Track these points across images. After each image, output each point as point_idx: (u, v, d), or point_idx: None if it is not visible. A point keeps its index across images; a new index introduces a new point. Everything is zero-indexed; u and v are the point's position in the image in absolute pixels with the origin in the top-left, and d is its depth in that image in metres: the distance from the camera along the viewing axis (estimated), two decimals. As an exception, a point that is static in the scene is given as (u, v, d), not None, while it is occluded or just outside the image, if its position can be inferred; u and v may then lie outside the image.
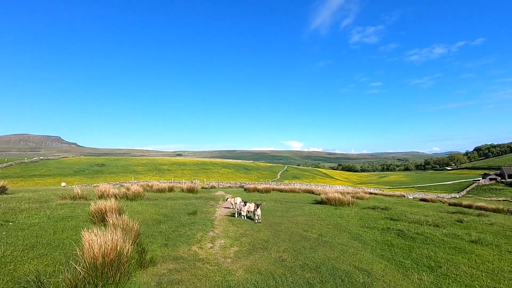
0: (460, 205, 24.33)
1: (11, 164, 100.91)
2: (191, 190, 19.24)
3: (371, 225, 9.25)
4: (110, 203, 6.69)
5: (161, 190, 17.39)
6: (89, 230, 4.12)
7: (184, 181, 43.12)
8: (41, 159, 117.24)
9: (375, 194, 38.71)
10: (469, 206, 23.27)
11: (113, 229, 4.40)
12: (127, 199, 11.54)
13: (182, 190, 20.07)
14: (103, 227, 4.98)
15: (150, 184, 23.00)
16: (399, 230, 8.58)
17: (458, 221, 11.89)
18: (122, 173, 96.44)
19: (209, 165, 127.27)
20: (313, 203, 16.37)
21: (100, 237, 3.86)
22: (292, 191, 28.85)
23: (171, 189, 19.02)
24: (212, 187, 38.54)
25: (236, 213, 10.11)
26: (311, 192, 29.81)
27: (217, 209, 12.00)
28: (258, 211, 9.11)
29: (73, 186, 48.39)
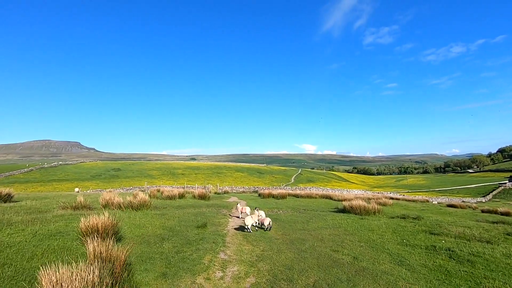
0: (496, 212, 22.03)
1: (32, 169, 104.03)
2: (202, 197, 18.19)
3: (411, 242, 7.79)
4: (104, 219, 5.63)
5: (171, 197, 16.42)
6: (53, 267, 3.01)
7: (197, 185, 42.35)
8: (60, 164, 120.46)
9: (396, 199, 36.50)
10: (507, 214, 20.98)
11: (92, 260, 3.28)
12: (132, 208, 10.56)
13: (194, 197, 19.09)
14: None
15: (161, 189, 22.17)
16: (448, 249, 7.09)
17: (507, 234, 10.19)
18: (137, 178, 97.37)
19: (223, 169, 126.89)
20: (334, 212, 14.91)
21: (66, 278, 2.74)
22: (309, 196, 27.36)
23: (181, 196, 18.03)
24: (225, 192, 37.50)
25: (246, 227, 8.50)
26: (329, 197, 28.21)
27: (229, 219, 10.81)
28: (266, 221, 8.80)
29: (88, 191, 48.65)
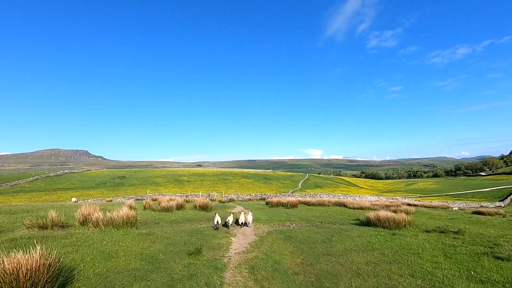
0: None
1: (37, 178, 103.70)
2: (204, 207, 16.14)
3: (484, 275, 5.58)
4: (32, 259, 3.63)
5: (167, 209, 14.39)
6: None
7: (200, 193, 40.35)
8: (66, 173, 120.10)
9: (415, 205, 33.88)
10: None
11: None
12: (112, 226, 8.58)
13: (195, 207, 17.03)
14: None
15: (159, 199, 20.21)
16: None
17: None
18: (142, 185, 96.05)
19: (229, 175, 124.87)
20: (356, 224, 12.69)
21: None
22: (321, 204, 25.09)
23: (180, 207, 16.01)
24: (231, 200, 35.40)
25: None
26: (343, 205, 25.90)
27: (233, 238, 8.74)
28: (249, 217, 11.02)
29: (89, 200, 47.10)
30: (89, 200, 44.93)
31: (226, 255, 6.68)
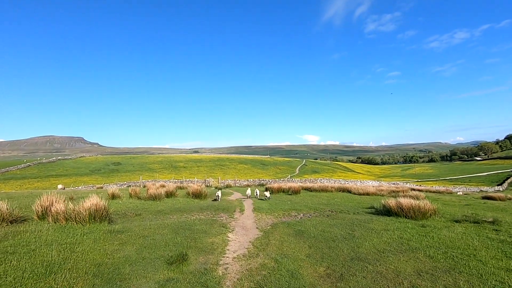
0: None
1: (29, 165, 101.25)
2: (197, 195, 14.33)
3: None
4: None
5: (154, 197, 12.52)
6: None
7: (196, 179, 38.60)
8: (59, 159, 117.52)
9: (419, 190, 32.52)
10: None
11: None
12: (76, 221, 6.71)
13: (188, 194, 15.22)
14: None
15: (148, 185, 18.37)
16: None
17: None
18: (138, 171, 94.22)
19: (225, 161, 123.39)
20: (373, 213, 10.97)
21: None
22: (324, 190, 23.50)
23: (170, 194, 14.18)
24: (228, 186, 33.71)
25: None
26: (347, 190, 24.36)
27: (230, 235, 6.93)
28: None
29: (79, 187, 45.20)
30: (80, 187, 43.06)
31: (221, 262, 4.86)
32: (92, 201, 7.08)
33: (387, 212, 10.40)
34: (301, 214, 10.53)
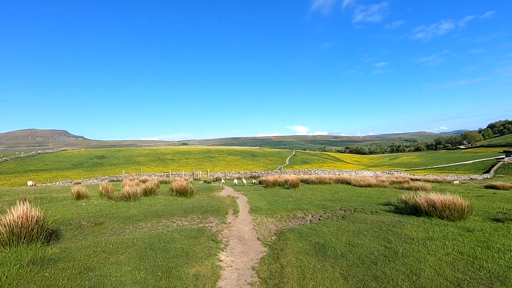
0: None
1: (6, 160, 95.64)
2: (182, 192, 12.11)
3: None
4: None
5: (128, 196, 10.22)
6: None
7: (183, 172, 36.19)
8: (39, 153, 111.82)
9: (417, 180, 31.30)
10: None
11: None
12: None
13: (171, 191, 12.96)
14: None
15: (124, 181, 15.95)
16: None
17: None
18: (123, 165, 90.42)
19: (215, 152, 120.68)
20: (394, 212, 9.05)
21: None
22: (322, 182, 21.63)
23: (149, 192, 11.91)
24: (217, 179, 31.55)
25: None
26: (347, 182, 22.57)
27: (222, 256, 4.85)
28: None
29: (56, 183, 42.00)
30: (57, 183, 39.95)
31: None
32: (19, 212, 4.79)
33: (414, 210, 8.49)
34: (310, 216, 8.54)
